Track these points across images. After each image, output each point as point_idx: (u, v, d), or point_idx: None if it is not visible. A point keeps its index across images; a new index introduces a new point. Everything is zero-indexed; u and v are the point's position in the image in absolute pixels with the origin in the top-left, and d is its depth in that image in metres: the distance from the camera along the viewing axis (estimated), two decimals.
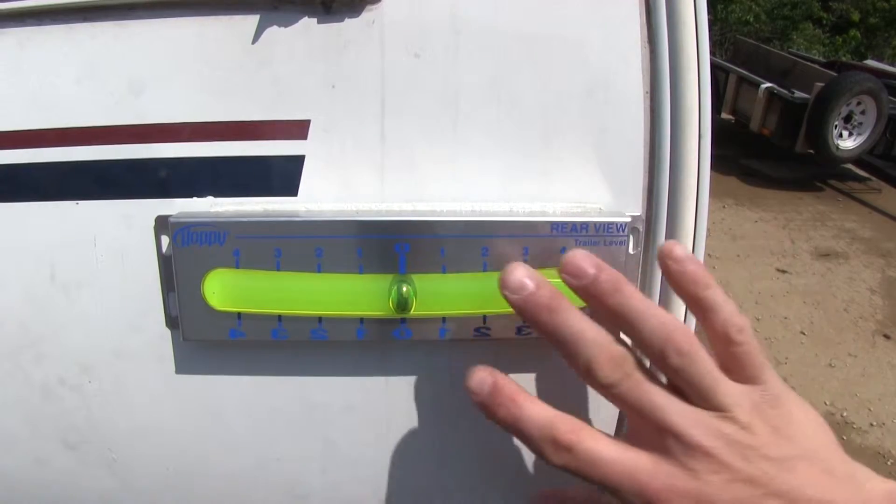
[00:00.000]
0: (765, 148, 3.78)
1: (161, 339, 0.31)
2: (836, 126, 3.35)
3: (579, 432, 0.25)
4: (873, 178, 3.62)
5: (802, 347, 2.06)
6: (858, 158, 3.55)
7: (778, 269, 2.60)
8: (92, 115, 0.29)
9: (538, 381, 0.33)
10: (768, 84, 3.63)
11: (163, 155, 0.29)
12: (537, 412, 0.26)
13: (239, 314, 0.29)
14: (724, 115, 4.19)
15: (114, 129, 0.29)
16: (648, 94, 0.30)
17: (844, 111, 3.35)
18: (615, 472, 0.25)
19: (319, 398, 0.33)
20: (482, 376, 0.26)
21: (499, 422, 0.26)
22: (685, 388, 0.26)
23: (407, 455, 0.34)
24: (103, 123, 0.29)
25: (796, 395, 0.28)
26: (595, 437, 0.25)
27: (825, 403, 1.83)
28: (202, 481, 0.35)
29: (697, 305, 0.27)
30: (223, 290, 0.28)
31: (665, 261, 0.26)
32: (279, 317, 0.29)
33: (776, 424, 0.25)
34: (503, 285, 0.26)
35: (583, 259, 0.25)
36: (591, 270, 0.25)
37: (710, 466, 0.24)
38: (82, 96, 0.29)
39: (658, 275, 0.32)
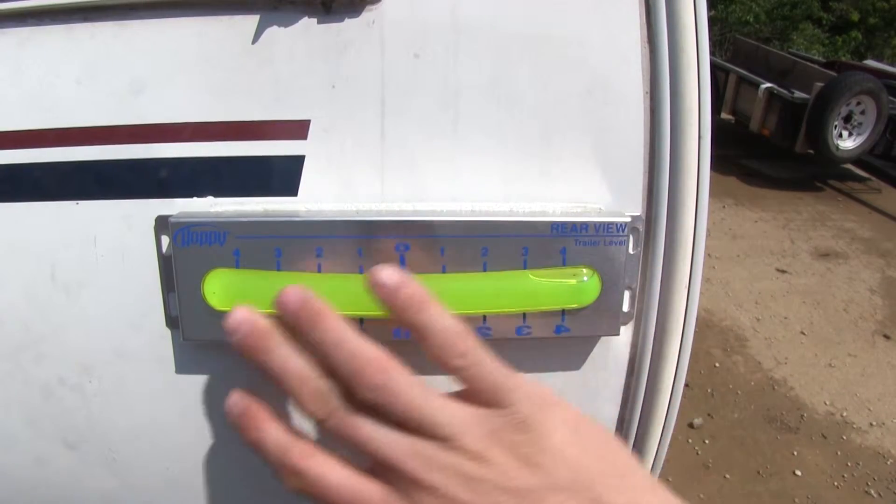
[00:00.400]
0: (764, 148, 3.78)
1: (161, 338, 0.31)
2: (835, 126, 3.35)
3: (310, 458, 0.25)
4: (873, 178, 3.62)
5: (802, 347, 2.06)
6: (858, 158, 3.56)
7: (778, 269, 2.60)
8: (92, 115, 0.29)
9: (538, 380, 0.34)
10: (768, 84, 3.63)
11: (163, 155, 0.29)
12: (276, 437, 0.25)
13: None
14: (724, 115, 4.19)
15: (114, 129, 0.29)
16: (648, 94, 0.30)
17: (844, 111, 3.35)
18: (343, 500, 0.24)
19: None
20: (235, 399, 0.26)
21: (246, 443, 0.26)
22: (399, 423, 0.24)
23: None
24: (103, 123, 0.29)
25: (574, 414, 0.26)
26: (327, 464, 0.25)
27: (825, 403, 1.83)
28: (202, 481, 0.35)
29: (414, 332, 0.25)
30: (223, 289, 0.28)
31: (374, 289, 0.25)
32: (280, 317, 0.29)
33: (521, 452, 0.23)
34: (224, 328, 0.25)
35: (291, 293, 0.25)
36: (295, 304, 0.24)
37: (436, 501, 0.23)
38: (82, 96, 0.29)
39: (659, 274, 0.32)
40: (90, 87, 0.29)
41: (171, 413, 0.33)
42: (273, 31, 0.29)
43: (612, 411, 0.34)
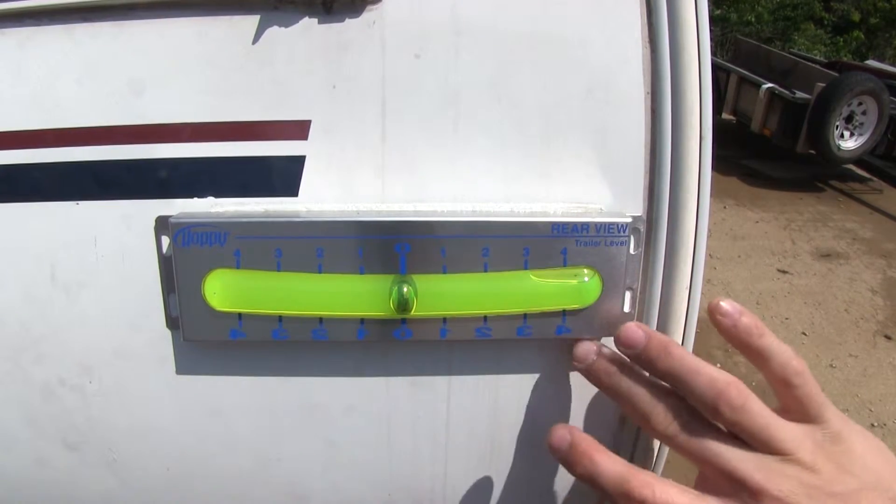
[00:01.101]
0: (766, 148, 3.78)
1: (161, 339, 0.31)
2: (837, 126, 3.35)
3: (653, 486, 0.26)
4: (874, 179, 3.62)
5: (803, 348, 2.06)
6: (860, 159, 3.56)
7: (779, 270, 2.60)
8: (92, 115, 0.29)
9: (539, 381, 0.33)
10: (769, 84, 3.63)
11: (163, 155, 0.29)
12: (611, 467, 0.27)
13: (239, 314, 0.29)
14: (725, 116, 4.19)
15: (114, 130, 0.29)
16: (650, 95, 0.30)
17: (846, 111, 3.34)
18: None
19: (320, 398, 0.33)
20: (561, 434, 0.29)
21: (577, 476, 0.28)
22: (746, 438, 0.27)
23: (407, 455, 0.34)
24: (104, 124, 0.29)
25: (857, 426, 0.29)
26: (666, 489, 0.27)
27: None
28: (202, 481, 0.35)
29: (754, 354, 0.29)
30: (224, 290, 0.28)
31: (715, 317, 0.29)
32: (280, 317, 0.29)
33: (839, 461, 0.27)
34: (573, 356, 0.30)
35: (634, 331, 0.29)
36: (641, 340, 0.28)
37: None
38: (82, 96, 0.29)
39: (660, 274, 0.32)
40: (90, 88, 0.29)
41: (172, 413, 0.33)
42: (273, 32, 0.29)
43: (613, 411, 0.34)
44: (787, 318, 2.22)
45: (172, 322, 0.30)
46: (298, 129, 0.29)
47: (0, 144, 0.30)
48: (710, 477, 0.28)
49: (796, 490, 0.26)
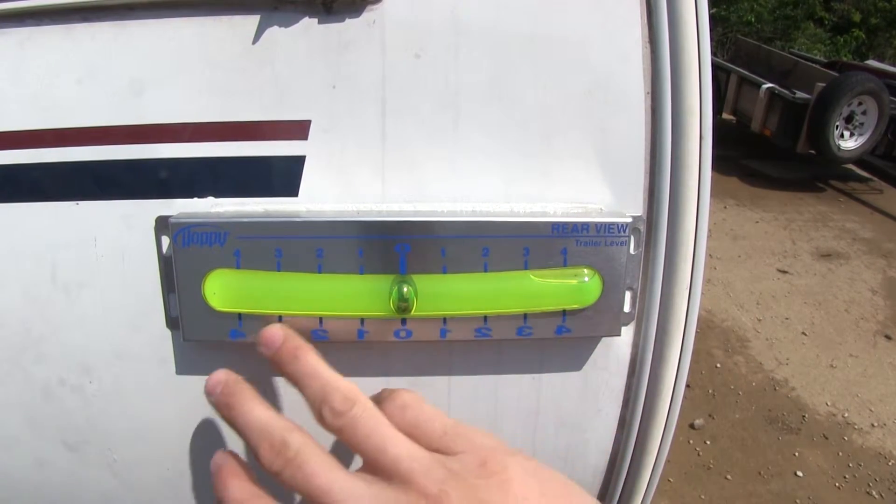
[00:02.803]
0: (766, 148, 3.78)
1: (161, 339, 0.31)
2: (837, 126, 3.35)
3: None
4: (874, 179, 3.63)
5: (804, 348, 2.06)
6: (860, 159, 3.56)
7: (779, 270, 2.60)
8: (92, 115, 0.29)
9: (539, 380, 0.33)
10: (769, 84, 3.63)
11: (163, 155, 0.29)
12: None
13: (240, 315, 0.29)
14: (725, 116, 4.19)
15: (114, 130, 0.29)
16: (649, 95, 0.30)
17: (846, 111, 3.34)
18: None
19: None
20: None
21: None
22: (360, 455, 0.25)
23: None
24: (104, 124, 0.29)
25: (524, 459, 0.25)
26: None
27: (826, 404, 1.83)
28: (202, 481, 0.35)
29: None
30: (224, 290, 0.28)
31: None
32: (280, 317, 0.29)
33: (482, 498, 0.22)
34: (205, 390, 0.27)
35: (274, 332, 0.27)
36: (277, 342, 0.27)
37: None
38: (83, 97, 0.29)
39: (660, 274, 0.32)
40: (90, 88, 0.29)
41: (172, 414, 0.33)
42: (273, 32, 0.29)
43: (613, 411, 0.34)
44: (787, 318, 2.22)
45: (172, 322, 0.30)
46: (298, 129, 0.29)
47: (0, 144, 0.30)
48: None
49: None
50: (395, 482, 0.23)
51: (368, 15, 0.29)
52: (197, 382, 0.32)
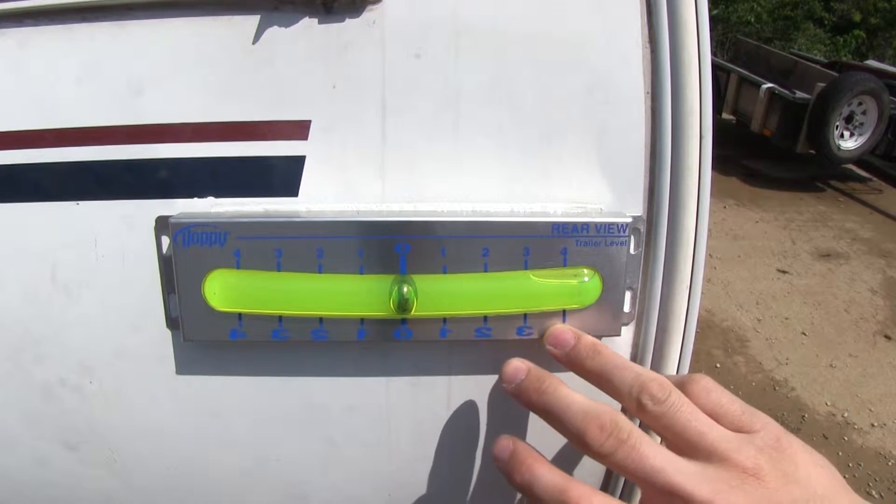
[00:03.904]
0: (766, 148, 3.78)
1: (161, 339, 0.31)
2: (837, 126, 3.34)
3: (590, 498, 0.25)
4: (874, 179, 3.63)
5: (803, 348, 2.06)
6: (860, 159, 3.56)
7: (779, 270, 2.59)
8: (92, 115, 0.29)
9: None
10: (769, 84, 3.63)
11: (163, 155, 0.29)
12: (549, 478, 0.26)
13: (240, 315, 0.29)
14: (725, 116, 4.18)
15: (114, 130, 0.29)
16: (649, 95, 0.30)
17: (846, 111, 3.34)
18: None
19: (320, 399, 0.33)
20: (504, 444, 0.28)
21: (516, 485, 0.28)
22: (674, 440, 0.26)
23: (407, 456, 0.34)
24: (103, 124, 0.29)
25: (797, 438, 0.27)
26: (604, 502, 0.25)
27: (826, 404, 1.83)
28: (202, 481, 0.35)
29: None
30: (224, 290, 0.28)
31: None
32: (280, 317, 0.29)
33: (784, 469, 0.25)
34: (502, 377, 0.29)
35: (563, 331, 0.29)
36: (570, 340, 0.28)
37: None
38: (82, 97, 0.29)
39: (660, 274, 0.32)
40: (90, 88, 0.29)
41: (172, 413, 0.33)
42: (273, 32, 0.29)
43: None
44: (786, 318, 2.21)
45: (172, 322, 0.30)
46: (298, 129, 0.29)
47: (0, 144, 0.30)
48: (653, 497, 0.26)
49: (741, 499, 0.24)
50: (715, 461, 0.25)
51: (368, 15, 0.29)
52: (196, 382, 0.32)
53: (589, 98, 0.30)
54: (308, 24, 0.29)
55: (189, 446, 0.34)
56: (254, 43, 0.28)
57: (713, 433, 0.26)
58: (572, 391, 0.28)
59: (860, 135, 3.46)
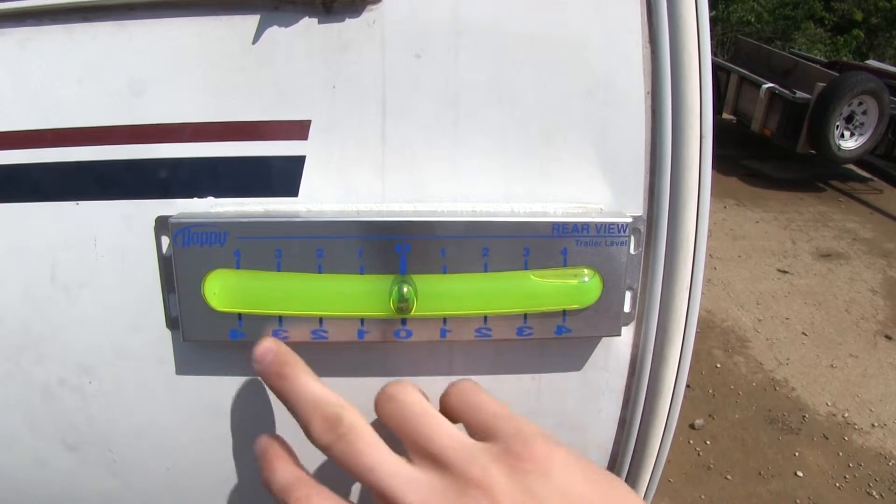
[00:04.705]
0: (766, 148, 3.78)
1: (161, 339, 0.31)
2: (837, 126, 3.35)
3: (311, 499, 0.24)
4: (875, 179, 3.63)
5: (804, 348, 2.06)
6: (860, 159, 3.56)
7: (779, 270, 2.59)
8: (92, 115, 0.29)
9: (539, 380, 0.33)
10: (770, 84, 3.63)
11: (163, 155, 0.29)
12: (282, 475, 0.26)
13: (239, 315, 0.29)
14: (726, 116, 4.18)
15: (114, 130, 0.29)
16: (650, 95, 0.30)
17: (846, 111, 3.34)
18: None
19: None
20: (268, 346, 0.27)
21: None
22: (407, 443, 0.25)
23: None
24: (104, 124, 0.29)
25: (571, 453, 0.24)
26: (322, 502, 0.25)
27: (826, 404, 1.83)
28: (202, 481, 0.35)
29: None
30: (224, 290, 0.28)
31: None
32: (280, 317, 0.29)
33: (527, 485, 0.22)
34: (252, 356, 0.27)
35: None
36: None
37: None
38: (83, 97, 0.29)
39: (660, 274, 0.32)
40: (90, 88, 0.29)
41: (172, 413, 0.33)
42: (273, 32, 0.29)
43: (613, 412, 0.34)
44: (787, 318, 2.22)
45: (172, 322, 0.30)
46: (298, 129, 0.29)
47: (0, 144, 0.30)
48: (376, 499, 0.25)
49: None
50: (439, 468, 0.23)
51: (368, 15, 0.29)
52: (196, 382, 0.32)
53: (589, 98, 0.30)
54: (308, 24, 0.29)
55: (189, 446, 0.33)
56: (254, 43, 0.28)
57: (443, 439, 0.24)
58: (315, 381, 0.27)
59: (861, 135, 3.46)
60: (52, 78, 0.29)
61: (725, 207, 3.08)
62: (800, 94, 3.53)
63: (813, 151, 3.52)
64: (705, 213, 0.31)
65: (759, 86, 3.69)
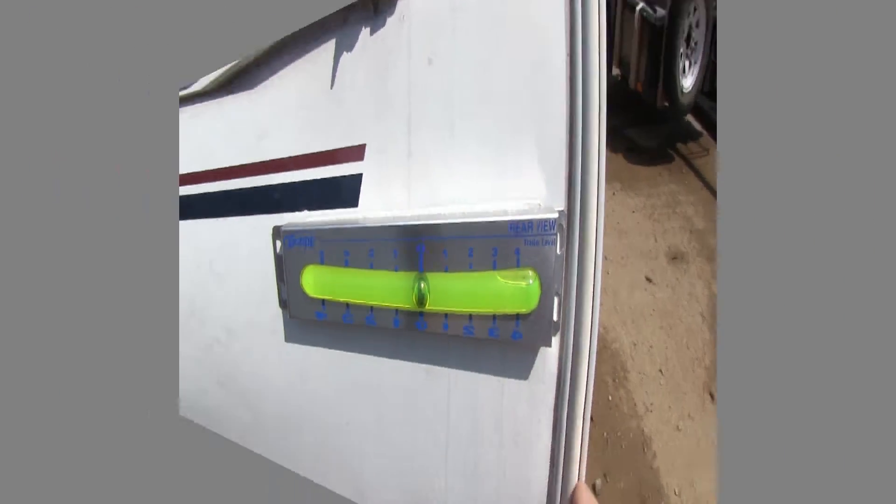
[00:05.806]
0: (640, 110, 4.68)
1: (276, 315, 0.35)
2: (682, 55, 3.92)
3: None
4: (704, 133, 4.48)
5: (661, 392, 1.56)
6: (695, 102, 4.54)
7: (647, 279, 2.07)
8: (234, 158, 0.37)
9: (518, 383, 0.34)
10: (641, 4, 4.46)
11: (276, 182, 0.33)
12: None
13: (323, 301, 0.31)
14: (615, 71, 5.01)
15: (246, 167, 0.36)
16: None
17: (686, 27, 3.94)
18: None
19: (370, 378, 0.38)
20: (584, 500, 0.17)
21: None
22: None
23: (427, 433, 0.41)
24: (240, 163, 0.37)
25: None
26: None
27: (675, 492, 1.00)
28: (301, 420, 0.47)
29: None
30: (313, 281, 0.31)
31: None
32: (347, 304, 0.30)
33: None
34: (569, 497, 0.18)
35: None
36: None
37: None
38: (228, 146, 0.36)
39: (574, 279, 0.28)
40: (233, 140, 0.35)
41: (280, 371, 0.39)
42: (343, 61, 0.33)
43: (546, 434, 0.33)
44: (651, 347, 1.21)
45: (283, 303, 0.33)
46: (358, 152, 0.31)
47: (181, 181, 0.39)
48: None
49: None
50: None
51: (399, 8, 0.29)
52: (296, 349, 0.40)
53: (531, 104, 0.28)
54: (364, 39, 0.30)
55: (289, 397, 0.43)
56: (331, 88, 0.33)
57: None
58: None
59: (694, 62, 4.10)
60: (208, 136, 0.35)
61: (614, 194, 3.45)
62: (659, 10, 4.36)
63: (666, 104, 4.48)
64: (602, 204, 0.24)
65: (633, 9, 4.47)
